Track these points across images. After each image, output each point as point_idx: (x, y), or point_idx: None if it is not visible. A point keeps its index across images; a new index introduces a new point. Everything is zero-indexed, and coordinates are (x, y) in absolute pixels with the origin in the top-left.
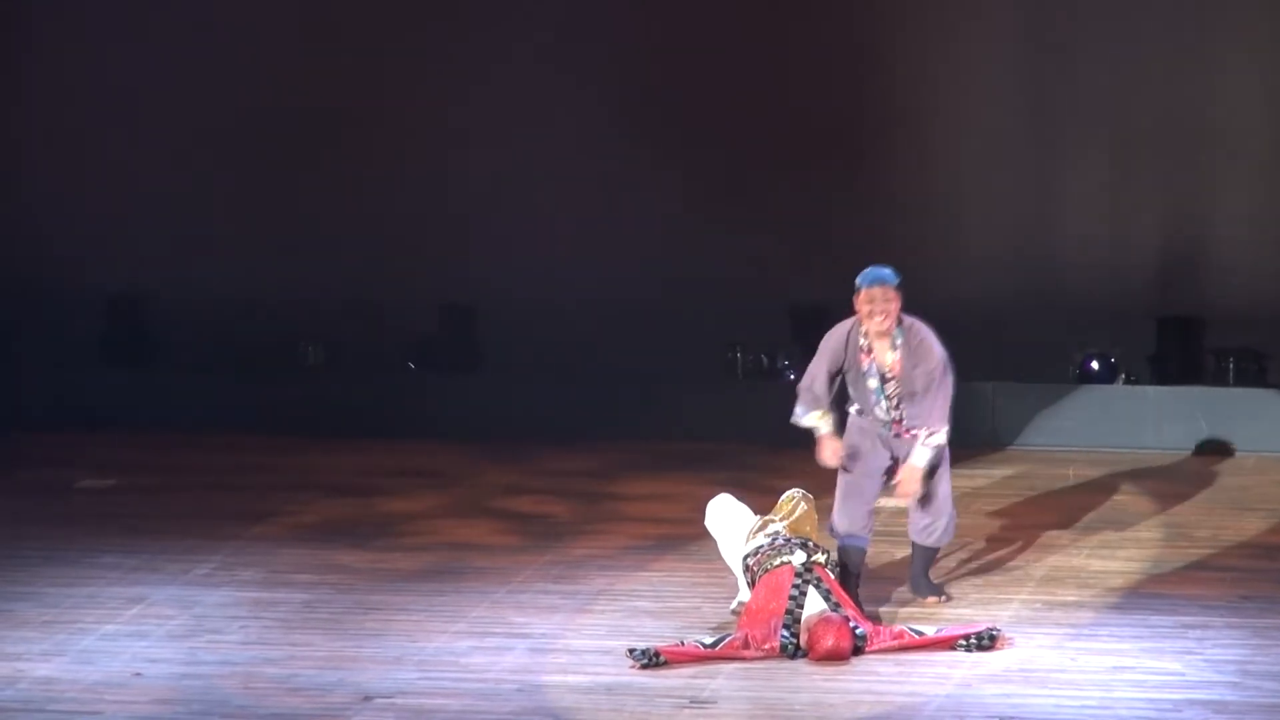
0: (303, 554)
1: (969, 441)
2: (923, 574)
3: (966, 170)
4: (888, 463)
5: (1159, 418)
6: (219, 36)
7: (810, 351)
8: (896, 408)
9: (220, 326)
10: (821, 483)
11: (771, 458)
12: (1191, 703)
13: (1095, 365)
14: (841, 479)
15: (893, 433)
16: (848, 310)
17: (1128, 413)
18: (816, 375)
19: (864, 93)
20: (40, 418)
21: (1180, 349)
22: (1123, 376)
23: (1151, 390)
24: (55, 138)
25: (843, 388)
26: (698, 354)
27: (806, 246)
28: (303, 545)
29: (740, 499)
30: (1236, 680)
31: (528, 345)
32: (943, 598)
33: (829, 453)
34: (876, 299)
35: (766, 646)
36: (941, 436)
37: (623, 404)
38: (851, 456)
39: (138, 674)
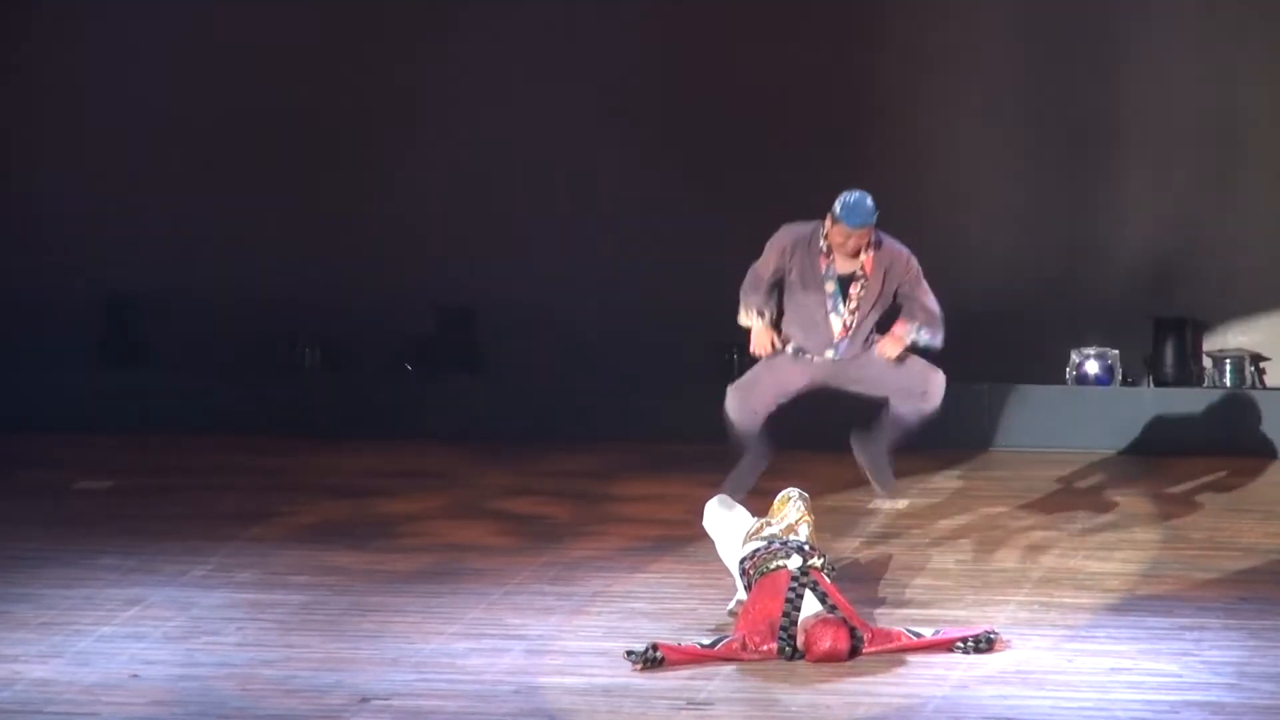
0: (300, 555)
1: (965, 443)
2: (884, 455)
3: (964, 171)
4: (802, 385)
5: (1156, 419)
6: (218, 37)
7: None
8: (854, 312)
9: (219, 327)
10: (820, 483)
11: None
12: (1188, 704)
13: (1092, 366)
14: (751, 372)
15: (838, 355)
16: None
17: (1125, 414)
18: (762, 277)
19: (863, 93)
20: (39, 418)
21: (1177, 350)
22: (1120, 378)
23: (1148, 391)
24: (53, 139)
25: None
26: (696, 355)
27: None
28: (300, 546)
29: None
30: (1233, 682)
31: (526, 346)
32: (895, 501)
33: (762, 342)
34: (852, 236)
35: (764, 648)
36: (938, 339)
37: (621, 405)
38: (769, 366)
39: (135, 676)
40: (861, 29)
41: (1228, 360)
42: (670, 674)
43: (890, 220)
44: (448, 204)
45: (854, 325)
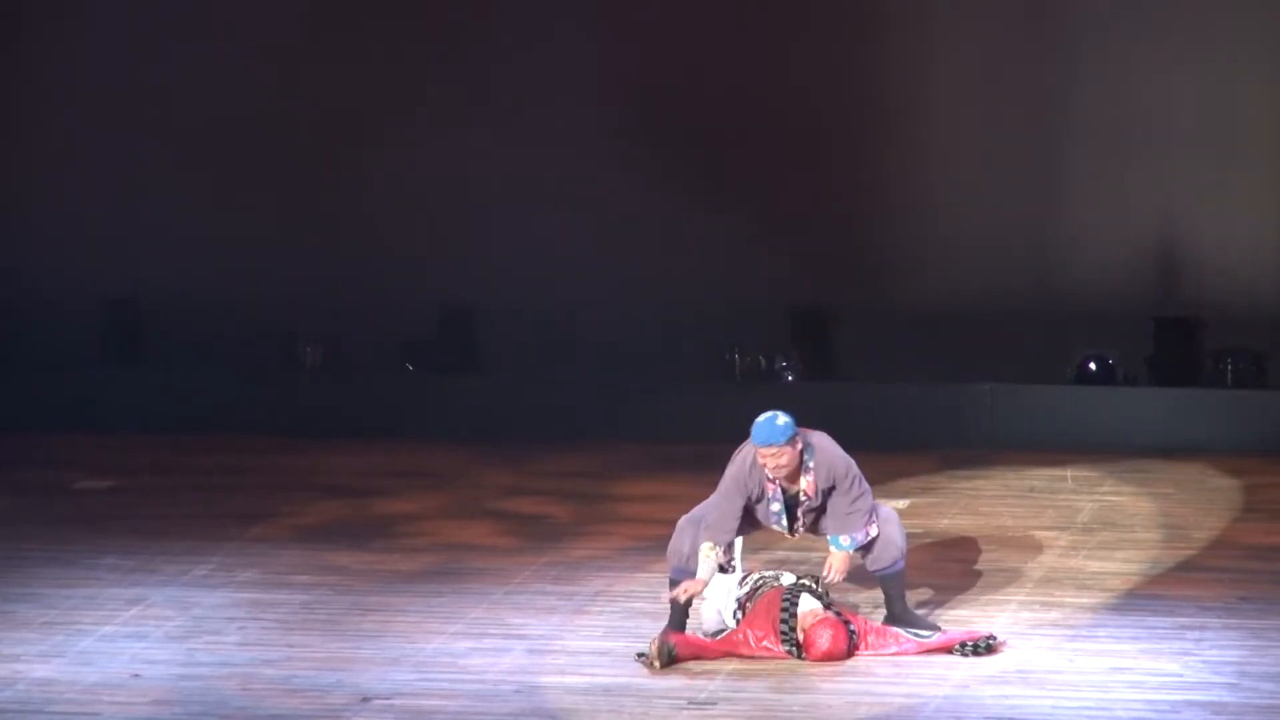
0: (301, 555)
1: (966, 443)
2: (903, 608)
3: (965, 171)
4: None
5: (1157, 419)
6: (218, 36)
7: (808, 353)
8: (800, 528)
9: (219, 327)
10: None
11: None
12: (1189, 704)
13: (1093, 366)
14: (699, 509)
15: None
16: (845, 310)
17: (1126, 414)
18: (726, 512)
19: (862, 93)
20: (40, 418)
21: (1178, 350)
22: (1121, 377)
23: (1149, 391)
24: (54, 139)
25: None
26: (696, 355)
27: (805, 248)
28: (301, 546)
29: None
30: (1234, 681)
31: (526, 346)
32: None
33: (689, 590)
34: (769, 458)
35: (766, 643)
36: (862, 539)
37: (621, 404)
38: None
39: (136, 675)
40: (861, 33)
41: (1228, 359)
42: (671, 673)
43: (892, 222)
44: (448, 205)
45: (799, 533)
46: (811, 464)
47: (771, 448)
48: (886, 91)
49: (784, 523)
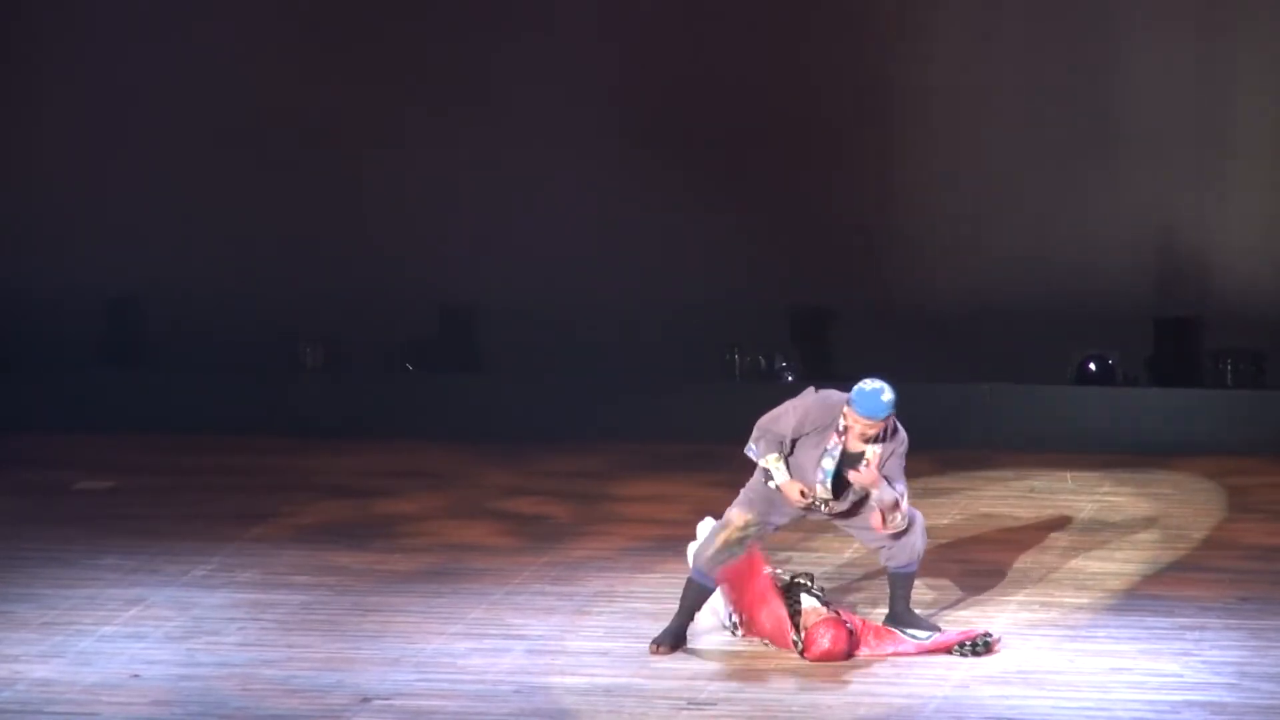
0: (301, 555)
1: (965, 443)
2: (905, 609)
3: (965, 172)
4: (779, 524)
5: (1157, 419)
6: (218, 36)
7: (808, 353)
8: (842, 503)
9: (220, 327)
10: None
11: None
12: (1189, 704)
13: (1093, 367)
14: (743, 498)
15: (816, 511)
16: (845, 310)
17: (1126, 414)
18: (785, 424)
19: (863, 95)
20: (40, 418)
21: (1178, 350)
22: (1121, 377)
23: (1149, 391)
24: (54, 138)
25: None
26: (696, 355)
27: (805, 248)
28: (301, 546)
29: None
30: (1234, 681)
31: (527, 346)
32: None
33: (796, 494)
34: (857, 423)
35: (777, 624)
36: (892, 498)
37: (621, 405)
38: (766, 495)
39: (136, 676)
40: (863, 32)
41: (1228, 360)
42: (671, 674)
43: (892, 222)
44: (448, 204)
45: (835, 509)
46: (885, 437)
47: (869, 420)
48: (887, 91)
49: (828, 485)
